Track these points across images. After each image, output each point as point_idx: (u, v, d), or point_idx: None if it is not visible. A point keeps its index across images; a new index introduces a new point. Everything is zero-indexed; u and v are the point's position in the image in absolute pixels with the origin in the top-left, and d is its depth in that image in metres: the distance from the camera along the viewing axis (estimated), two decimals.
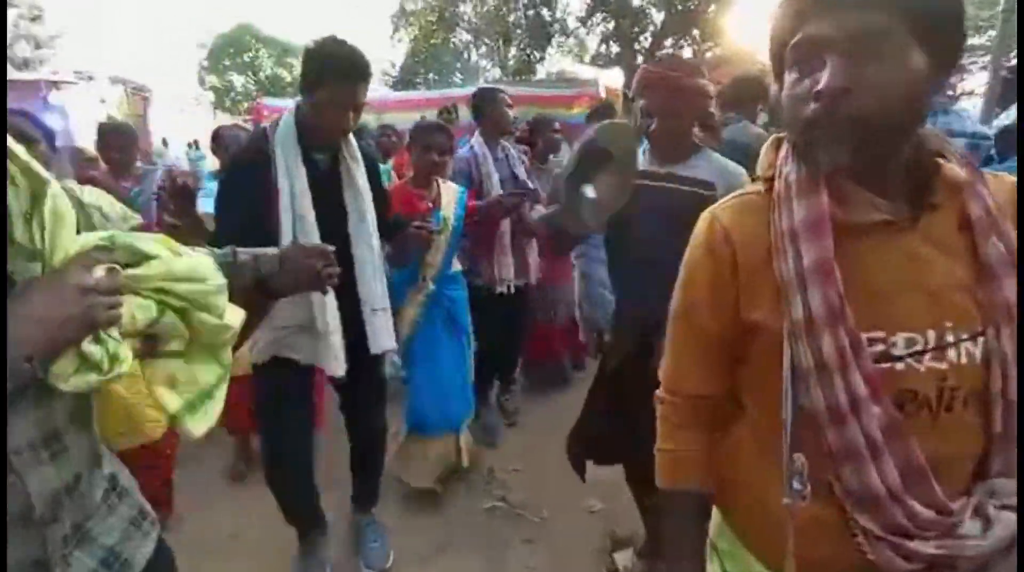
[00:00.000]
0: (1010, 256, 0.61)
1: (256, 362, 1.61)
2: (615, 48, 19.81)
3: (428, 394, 2.14)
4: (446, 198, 2.14)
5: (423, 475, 2.14)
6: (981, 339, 0.62)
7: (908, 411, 0.62)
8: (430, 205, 2.04)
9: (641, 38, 18.49)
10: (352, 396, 1.82)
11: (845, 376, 0.60)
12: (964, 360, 0.62)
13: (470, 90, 3.24)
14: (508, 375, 2.96)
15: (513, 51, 20.49)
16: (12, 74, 9.56)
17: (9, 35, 9.89)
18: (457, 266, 2.26)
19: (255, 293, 0.94)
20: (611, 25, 19.66)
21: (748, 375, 0.76)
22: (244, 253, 0.94)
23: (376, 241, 1.65)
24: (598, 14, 19.46)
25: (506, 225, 2.42)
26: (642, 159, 1.50)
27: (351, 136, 1.61)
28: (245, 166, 1.58)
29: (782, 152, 0.71)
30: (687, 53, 17.29)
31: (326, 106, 1.47)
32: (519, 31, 19.93)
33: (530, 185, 2.53)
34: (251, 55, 27.33)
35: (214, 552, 1.90)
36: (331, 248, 1.04)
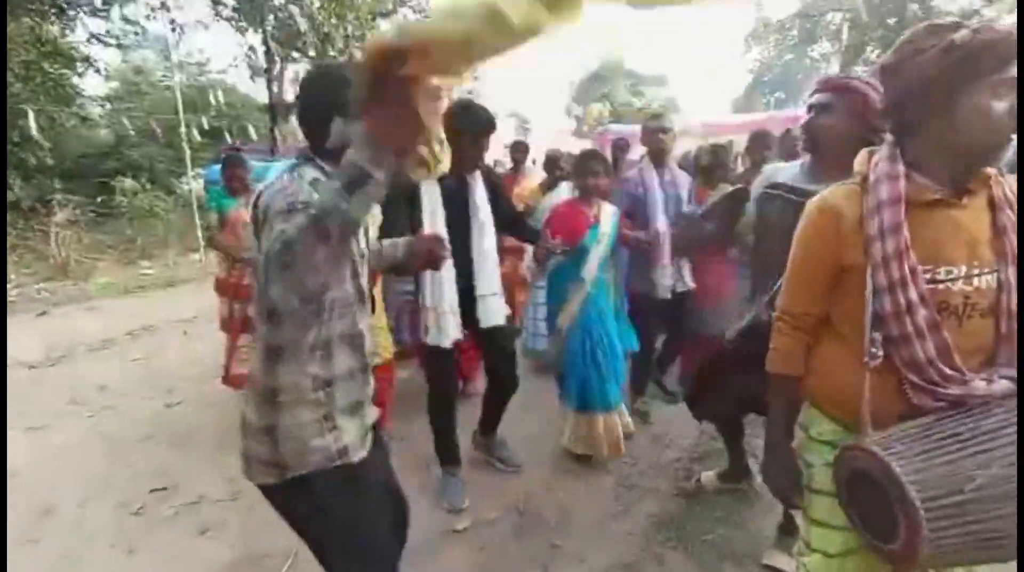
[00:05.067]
0: (1012, 222, 0.95)
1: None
2: None
3: (588, 377, 2.42)
4: (604, 218, 2.46)
5: (582, 445, 2.52)
6: (996, 274, 0.95)
7: (943, 315, 0.95)
8: (592, 219, 2.44)
9: None
10: (490, 356, 2.41)
11: (905, 292, 0.94)
12: (984, 286, 0.95)
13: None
14: (664, 366, 3.28)
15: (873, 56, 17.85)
16: None
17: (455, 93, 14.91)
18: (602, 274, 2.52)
19: None
20: None
21: (839, 297, 1.08)
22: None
23: (493, 242, 2.20)
24: None
25: (666, 239, 2.73)
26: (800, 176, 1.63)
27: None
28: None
29: (874, 158, 1.03)
30: None
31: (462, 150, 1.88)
32: (878, 34, 17.15)
33: (687, 208, 2.79)
34: (609, 87, 31.92)
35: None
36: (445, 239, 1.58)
